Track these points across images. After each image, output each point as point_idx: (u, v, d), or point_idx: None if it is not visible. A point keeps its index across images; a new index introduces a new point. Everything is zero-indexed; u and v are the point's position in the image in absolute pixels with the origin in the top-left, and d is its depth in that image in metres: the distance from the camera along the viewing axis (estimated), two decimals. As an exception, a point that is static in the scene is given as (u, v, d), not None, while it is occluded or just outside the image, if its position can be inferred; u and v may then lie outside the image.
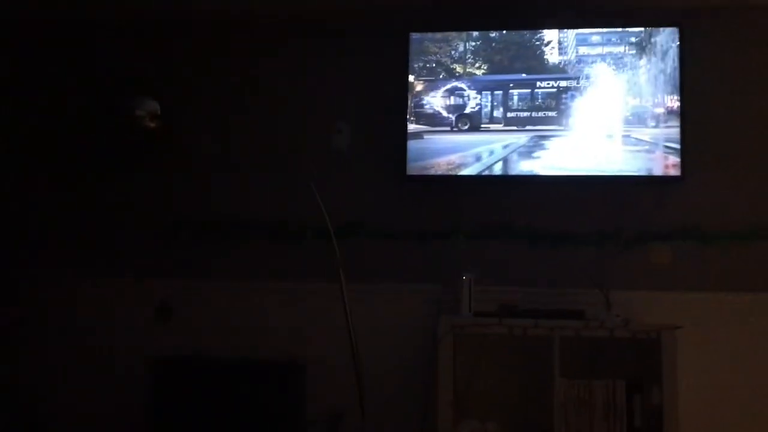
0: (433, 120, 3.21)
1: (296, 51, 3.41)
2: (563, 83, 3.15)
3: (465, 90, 3.19)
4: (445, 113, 3.20)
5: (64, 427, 3.24)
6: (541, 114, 3.15)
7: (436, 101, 3.21)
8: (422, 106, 3.23)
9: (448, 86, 3.20)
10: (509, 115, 3.16)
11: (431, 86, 3.22)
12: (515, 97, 3.16)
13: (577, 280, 3.10)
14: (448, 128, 3.20)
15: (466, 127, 3.18)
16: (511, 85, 3.17)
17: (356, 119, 3.34)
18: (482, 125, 3.18)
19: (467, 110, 3.19)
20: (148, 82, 3.34)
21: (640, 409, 2.81)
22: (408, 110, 3.22)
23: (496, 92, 3.17)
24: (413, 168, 3.20)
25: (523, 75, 3.16)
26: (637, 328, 2.83)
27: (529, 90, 3.15)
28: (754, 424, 3.01)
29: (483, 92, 3.19)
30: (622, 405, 2.81)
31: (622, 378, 2.84)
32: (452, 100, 3.20)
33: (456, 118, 3.19)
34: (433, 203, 3.26)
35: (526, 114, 3.15)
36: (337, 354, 2.88)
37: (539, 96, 3.15)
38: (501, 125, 3.16)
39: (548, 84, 3.15)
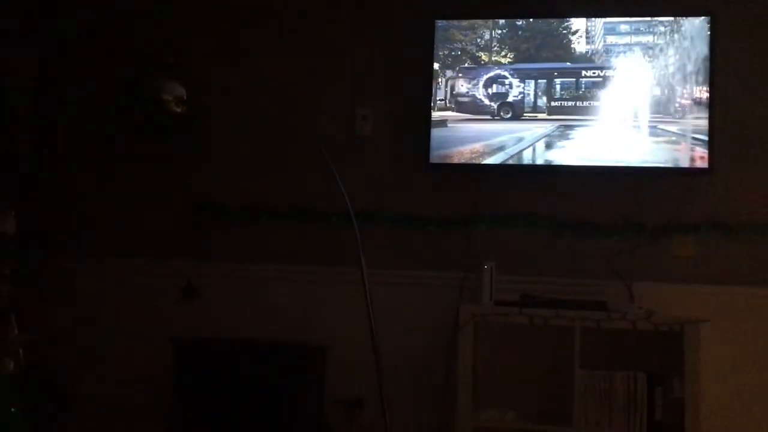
0: (474, 108, 3.19)
1: (321, 36, 3.41)
2: (591, 72, 3.11)
3: (508, 78, 3.17)
4: (486, 101, 3.18)
5: (89, 404, 3.30)
6: (567, 104, 3.12)
7: (478, 89, 3.19)
8: (464, 94, 3.21)
9: (491, 74, 3.18)
10: (553, 104, 3.13)
11: (473, 74, 3.20)
12: (557, 86, 3.13)
13: (600, 271, 3.08)
14: (490, 117, 3.18)
15: (509, 116, 3.16)
16: (556, 73, 3.14)
17: (380, 106, 3.34)
18: (525, 114, 3.15)
19: (510, 98, 3.17)
20: (174, 67, 3.36)
21: (661, 402, 2.79)
22: (438, 97, 3.20)
23: (539, 81, 3.14)
24: (436, 156, 3.19)
25: (568, 63, 3.12)
26: (660, 320, 2.80)
27: (573, 79, 3.11)
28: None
29: (526, 80, 3.16)
30: (642, 398, 2.79)
31: (643, 370, 2.81)
32: (494, 88, 3.18)
33: (498, 106, 3.17)
34: (455, 191, 3.25)
35: (558, 103, 3.11)
36: (358, 340, 2.88)
37: (570, 85, 3.12)
38: (545, 114, 3.13)
39: (592, 73, 3.10)
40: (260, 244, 3.35)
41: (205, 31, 3.48)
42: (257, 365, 2.85)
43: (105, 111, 3.47)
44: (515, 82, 3.16)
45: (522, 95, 3.16)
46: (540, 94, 3.14)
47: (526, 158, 3.14)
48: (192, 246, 3.38)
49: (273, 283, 3.31)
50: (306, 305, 3.27)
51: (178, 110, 3.23)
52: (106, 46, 3.53)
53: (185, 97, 3.25)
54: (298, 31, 3.42)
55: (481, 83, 3.18)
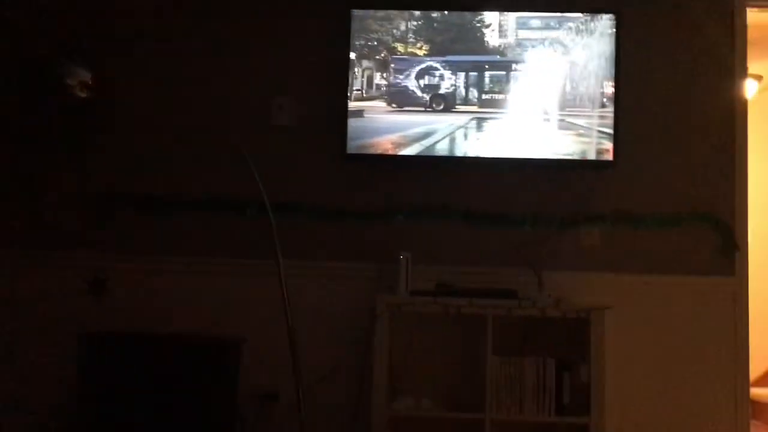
0: (406, 99, 3.20)
1: (237, 24, 3.33)
2: (518, 66, 3.17)
3: (439, 69, 3.18)
4: (419, 93, 3.19)
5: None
6: (497, 96, 3.17)
7: (410, 80, 3.19)
8: (396, 84, 3.20)
9: (423, 66, 3.18)
10: (484, 96, 3.17)
11: (404, 64, 3.20)
12: (487, 79, 3.17)
13: (511, 261, 3.16)
14: (422, 108, 3.19)
15: (441, 108, 3.17)
16: (487, 66, 3.18)
17: (297, 96, 3.31)
18: (457, 105, 3.18)
19: (442, 90, 3.18)
20: (83, 51, 3.22)
21: (568, 386, 2.89)
22: (355, 87, 3.19)
23: (471, 73, 3.17)
24: (353, 146, 3.19)
25: (498, 57, 3.17)
26: (568, 307, 2.91)
27: (504, 72, 3.16)
28: (676, 404, 3.14)
29: (458, 72, 3.18)
30: (551, 383, 2.89)
31: (552, 356, 2.92)
32: (426, 80, 3.18)
33: (431, 98, 3.18)
34: (372, 182, 3.26)
35: (489, 96, 3.16)
36: (274, 332, 2.86)
37: (500, 78, 3.17)
38: (476, 107, 3.17)
39: (514, 67, 3.17)
40: (173, 235, 3.26)
41: (120, 15, 3.33)
42: (168, 360, 2.77)
43: (6, 95, 3.29)
44: (447, 74, 3.19)
45: (453, 87, 3.19)
46: (470, 86, 3.18)
47: (443, 150, 3.18)
48: (101, 238, 3.25)
49: (187, 276, 3.22)
50: (221, 298, 3.20)
51: (83, 95, 3.11)
52: (11, 26, 3.33)
53: (90, 82, 3.13)
54: (216, 18, 3.33)
55: (413, 74, 3.19)
